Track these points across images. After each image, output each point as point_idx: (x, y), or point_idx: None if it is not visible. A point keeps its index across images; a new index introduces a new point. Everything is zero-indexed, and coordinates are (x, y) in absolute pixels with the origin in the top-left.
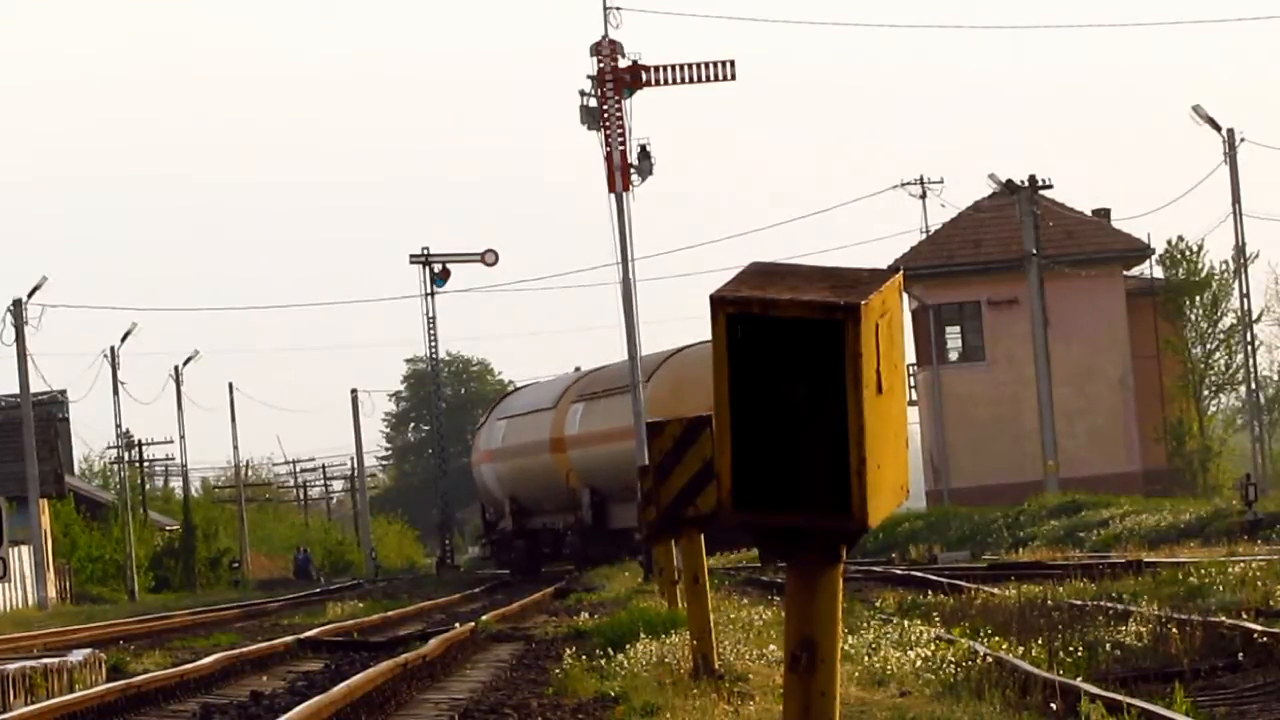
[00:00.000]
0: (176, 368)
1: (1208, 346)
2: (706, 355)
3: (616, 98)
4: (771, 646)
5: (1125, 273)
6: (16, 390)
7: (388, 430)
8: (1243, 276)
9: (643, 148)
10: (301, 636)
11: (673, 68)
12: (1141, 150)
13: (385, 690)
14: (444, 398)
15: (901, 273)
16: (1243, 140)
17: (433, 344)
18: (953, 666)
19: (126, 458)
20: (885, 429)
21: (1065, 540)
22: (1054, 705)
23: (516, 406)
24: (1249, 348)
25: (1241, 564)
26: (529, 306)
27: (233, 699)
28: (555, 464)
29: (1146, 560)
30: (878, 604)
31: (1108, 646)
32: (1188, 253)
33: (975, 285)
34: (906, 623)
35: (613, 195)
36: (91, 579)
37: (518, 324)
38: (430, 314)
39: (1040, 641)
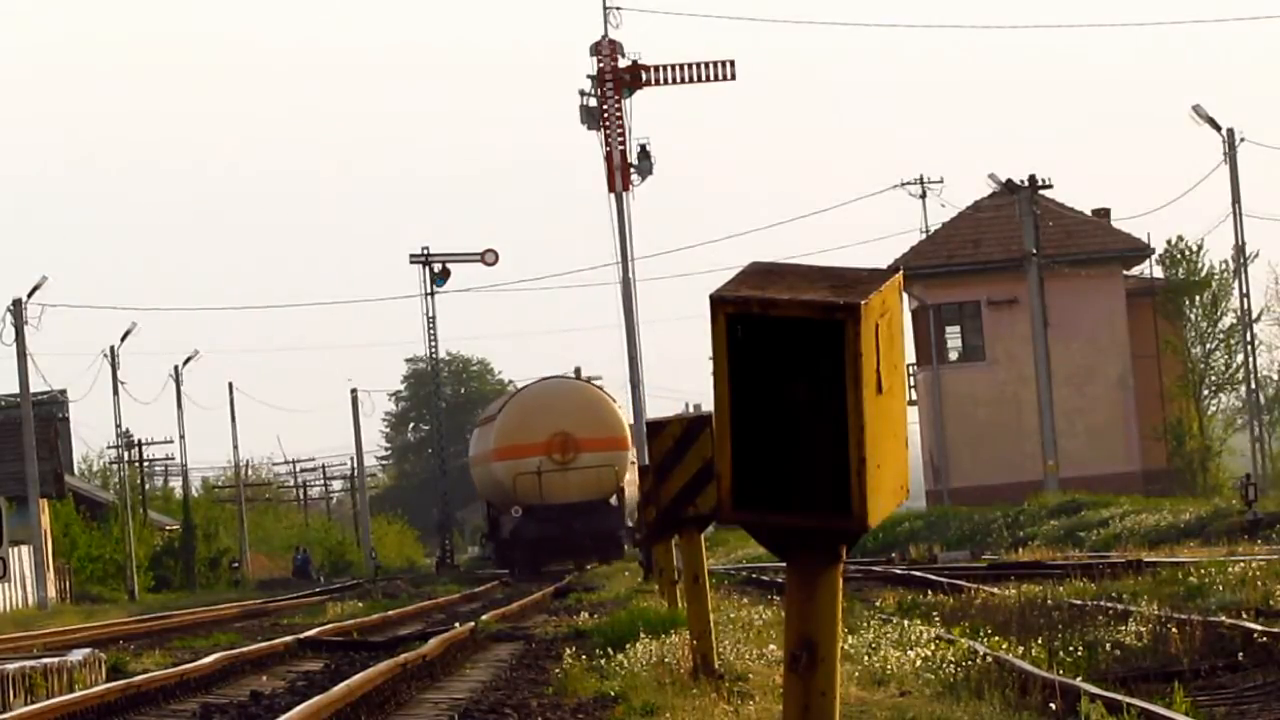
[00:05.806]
0: (176, 367)
1: (1207, 346)
2: (547, 389)
3: (616, 98)
4: (771, 646)
5: (1125, 273)
6: (16, 390)
7: (388, 430)
8: (1243, 276)
9: (643, 148)
10: (301, 636)
11: (673, 68)
12: (1141, 150)
13: (385, 690)
14: (444, 398)
15: (901, 273)
16: (1243, 140)
17: (433, 344)
18: (953, 666)
19: (126, 457)
20: (885, 429)
21: (1065, 540)
22: (1054, 705)
23: None
24: (1249, 347)
25: (1241, 564)
26: (529, 306)
27: (233, 699)
28: (472, 480)
29: (1146, 560)
30: (878, 604)
31: (1108, 646)
32: (1187, 252)
33: (975, 285)
34: (906, 623)
35: (613, 195)
36: (91, 579)
37: (518, 324)
38: (430, 314)
39: (1040, 641)
